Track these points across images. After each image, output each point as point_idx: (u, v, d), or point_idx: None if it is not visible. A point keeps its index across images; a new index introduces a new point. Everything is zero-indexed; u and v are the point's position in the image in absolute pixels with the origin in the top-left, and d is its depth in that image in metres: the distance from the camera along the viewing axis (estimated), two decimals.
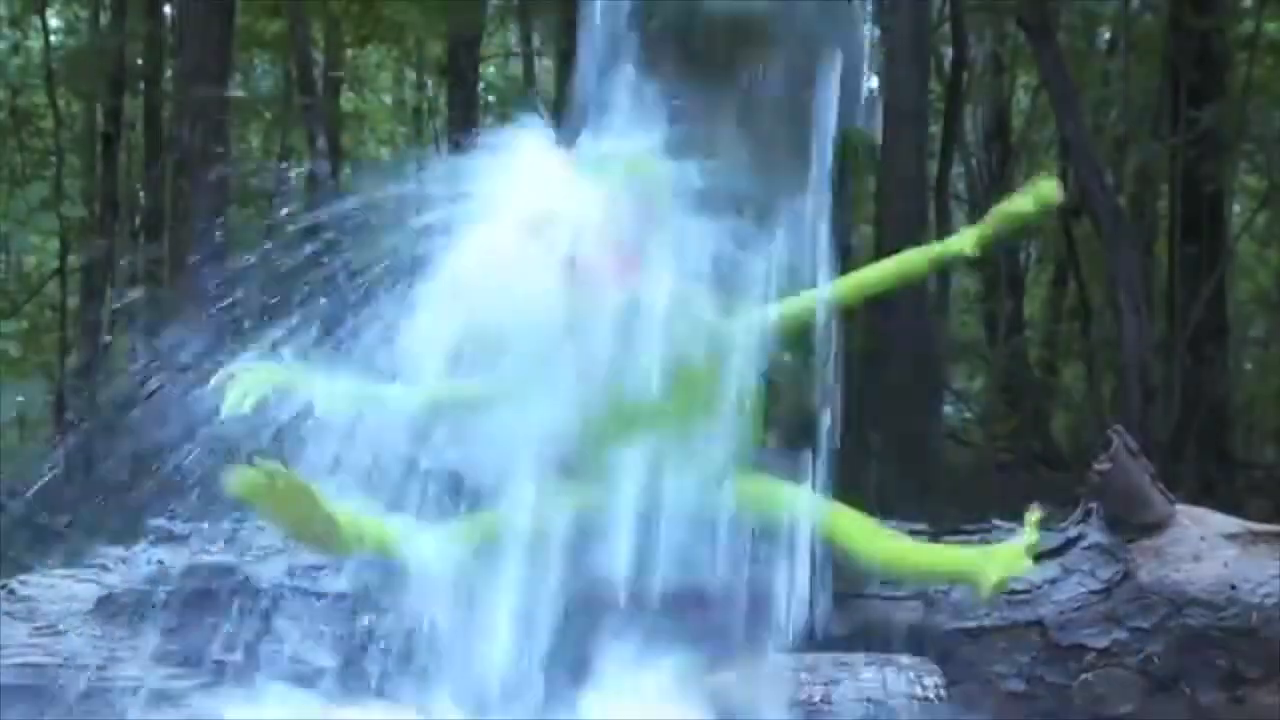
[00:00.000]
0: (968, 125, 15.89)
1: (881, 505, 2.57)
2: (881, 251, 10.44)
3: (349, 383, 2.29)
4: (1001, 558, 2.18)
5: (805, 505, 2.33)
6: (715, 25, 2.70)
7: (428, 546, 2.18)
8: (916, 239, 9.76)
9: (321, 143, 10.51)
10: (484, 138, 2.26)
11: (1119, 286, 8.94)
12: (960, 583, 2.33)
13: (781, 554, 2.31)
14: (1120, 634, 2.37)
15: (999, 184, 14.00)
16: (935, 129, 12.58)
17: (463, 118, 14.99)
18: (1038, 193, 2.51)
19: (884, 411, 9.06)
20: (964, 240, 2.58)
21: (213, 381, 2.26)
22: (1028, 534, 2.24)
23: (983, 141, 15.76)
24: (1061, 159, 14.04)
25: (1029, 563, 2.20)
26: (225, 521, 2.53)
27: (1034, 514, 2.28)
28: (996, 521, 2.57)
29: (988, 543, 2.43)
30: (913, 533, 2.48)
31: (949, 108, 12.82)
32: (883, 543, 2.31)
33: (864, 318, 15.21)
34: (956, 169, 15.58)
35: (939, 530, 2.53)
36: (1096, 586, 2.45)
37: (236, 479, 2.04)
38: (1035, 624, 2.42)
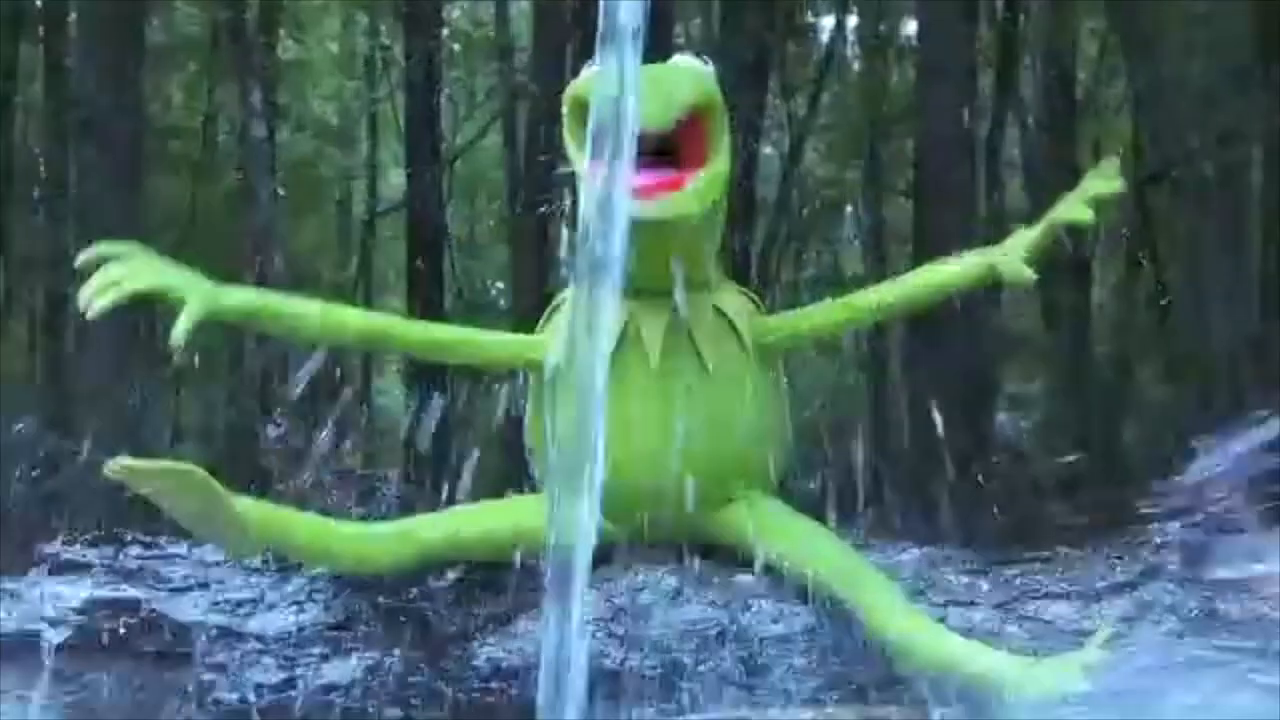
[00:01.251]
0: (1023, 78, 15.88)
1: (921, 527, 2.57)
2: (919, 229, 10.46)
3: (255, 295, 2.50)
4: (1049, 673, 2.16)
5: (829, 556, 2.39)
6: None
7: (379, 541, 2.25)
8: (961, 213, 9.78)
9: (256, 98, 10.48)
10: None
11: (1204, 267, 8.94)
12: (983, 690, 2.28)
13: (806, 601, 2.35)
14: (1205, 678, 2.37)
15: (1061, 148, 14.00)
16: (984, 82, 12.57)
17: (424, 70, 15.00)
18: (1094, 187, 2.58)
19: (925, 419, 9.06)
20: (1015, 265, 2.61)
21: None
22: (1091, 648, 2.20)
23: (1041, 97, 15.74)
24: (1135, 117, 14.03)
25: (1083, 682, 2.15)
26: (133, 548, 2.52)
27: (1105, 630, 2.24)
28: (1059, 550, 2.56)
29: (1048, 574, 2.42)
30: (956, 559, 2.46)
31: (1001, 56, 12.81)
32: (900, 622, 2.30)
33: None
34: (1010, 129, 15.57)
35: (988, 560, 2.52)
36: (1177, 625, 2.44)
37: (119, 465, 2.06)
38: None
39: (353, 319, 2.51)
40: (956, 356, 9.12)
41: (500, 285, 23.34)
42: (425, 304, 15.89)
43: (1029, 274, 2.53)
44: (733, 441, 2.54)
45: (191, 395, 18.10)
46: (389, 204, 20.00)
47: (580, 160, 2.42)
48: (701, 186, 2.36)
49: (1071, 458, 12.34)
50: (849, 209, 20.71)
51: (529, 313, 12.72)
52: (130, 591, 2.48)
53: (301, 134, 19.07)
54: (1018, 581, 2.52)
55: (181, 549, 2.53)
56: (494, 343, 2.61)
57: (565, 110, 2.45)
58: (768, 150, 18.65)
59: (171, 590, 2.50)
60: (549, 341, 2.57)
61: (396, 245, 19.83)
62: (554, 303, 2.62)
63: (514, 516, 2.47)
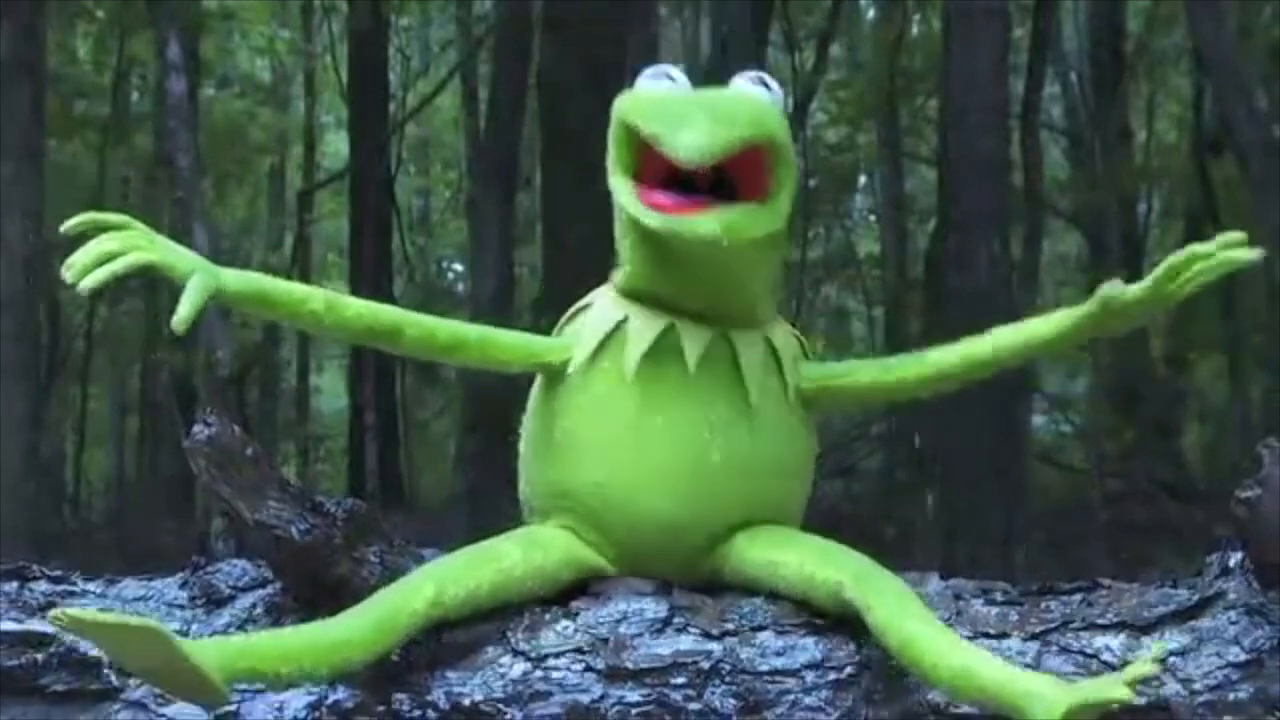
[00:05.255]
0: (1066, 29, 15.93)
1: (947, 549, 2.59)
2: (944, 203, 10.48)
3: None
4: (1082, 693, 2.18)
5: (841, 561, 2.42)
6: None
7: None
8: (993, 185, 9.81)
9: (174, 52, 10.47)
10: None
11: (1272, 249, 8.97)
12: (1003, 705, 2.31)
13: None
14: None
15: (1108, 109, 14.04)
16: (1021, 32, 12.60)
17: (369, 18, 15.02)
18: (1230, 250, 2.58)
19: (950, 424, 9.09)
20: (1123, 290, 2.62)
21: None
22: (1142, 661, 2.22)
23: (1086, 50, 15.81)
24: (1195, 76, 14.08)
25: (1129, 692, 2.17)
26: (40, 583, 2.53)
27: (1159, 646, 2.26)
28: (1104, 582, 2.57)
29: (1091, 605, 2.43)
30: (985, 591, 2.48)
31: (1039, 2, 12.84)
32: (910, 625, 2.32)
33: (920, 296, 15.27)
34: (1050, 88, 15.62)
35: (1024, 590, 2.54)
36: (1241, 657, 2.46)
37: (64, 615, 2.08)
38: (1160, 708, 2.43)
39: (359, 311, 2.55)
40: None
41: (458, 267, 23.40)
42: (371, 288, 15.92)
43: (1136, 292, 2.52)
44: (763, 480, 2.58)
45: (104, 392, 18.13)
46: (329, 173, 20.02)
47: (619, 185, 2.49)
48: (735, 219, 2.39)
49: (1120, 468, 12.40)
50: (863, 179, 20.79)
51: (490, 299, 12.75)
52: (39, 625, 2.49)
53: (228, 92, 19.08)
54: (1056, 609, 2.53)
55: (95, 586, 2.55)
56: (513, 343, 2.65)
57: (611, 129, 2.50)
58: None
59: None
60: (570, 345, 2.61)
61: (338, 221, 19.90)
62: (578, 305, 2.67)
63: (495, 565, 2.50)
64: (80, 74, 15.92)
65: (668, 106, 2.40)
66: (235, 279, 2.45)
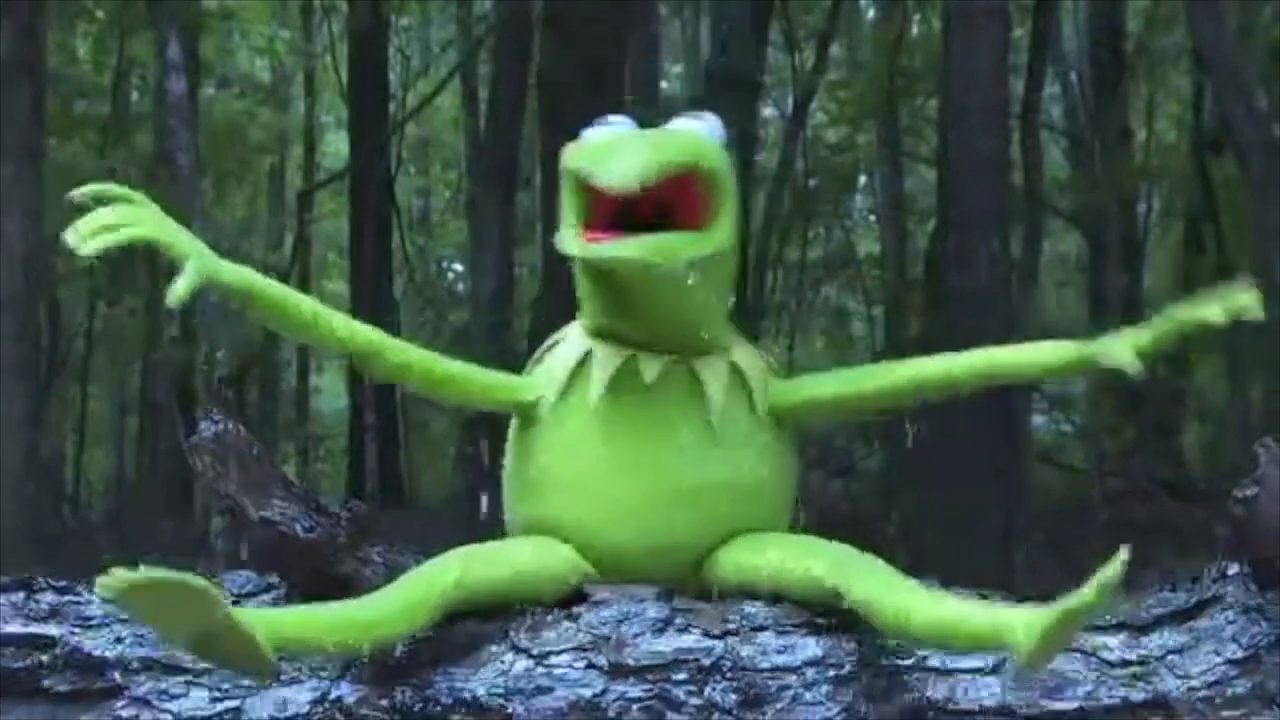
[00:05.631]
0: (1065, 28, 15.94)
1: (945, 552, 2.60)
2: (944, 203, 10.47)
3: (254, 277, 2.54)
4: (1054, 611, 2.19)
5: (825, 553, 2.46)
6: None
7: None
8: (993, 185, 9.81)
9: (174, 52, 10.48)
10: None
11: (1272, 249, 8.98)
12: (983, 648, 2.35)
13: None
14: (1270, 717, 2.40)
15: (1108, 109, 14.05)
16: (1021, 32, 12.61)
17: (370, 18, 15.01)
18: (1236, 301, 2.60)
19: (949, 424, 9.09)
20: (1117, 349, 2.65)
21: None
22: (1089, 591, 2.21)
23: (1086, 50, 15.82)
24: (1195, 76, 14.09)
25: (1090, 595, 2.17)
26: (46, 594, 2.55)
27: (1118, 559, 2.24)
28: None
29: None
30: (983, 599, 2.49)
31: (1040, 2, 12.85)
32: (895, 596, 2.35)
33: (920, 296, 15.27)
34: (1050, 88, 15.62)
35: (1024, 597, 2.55)
36: (1238, 654, 2.47)
37: (107, 583, 2.05)
38: (1157, 704, 2.44)
39: (342, 329, 2.58)
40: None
41: (458, 267, 23.37)
42: (371, 288, 15.92)
43: (1133, 360, 2.55)
44: (739, 499, 2.63)
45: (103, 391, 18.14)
46: (329, 173, 20.02)
47: (562, 229, 2.54)
48: (661, 243, 2.43)
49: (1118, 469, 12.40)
50: (863, 179, 20.78)
51: (489, 299, 12.73)
52: (44, 628, 2.51)
53: (227, 92, 19.07)
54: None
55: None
56: (491, 384, 2.68)
57: (561, 182, 2.56)
58: (768, 111, 18.71)
59: (89, 625, 2.52)
60: (541, 383, 2.65)
61: (338, 221, 19.88)
62: (548, 342, 2.71)
63: (512, 559, 2.54)
64: (80, 74, 15.91)
65: (603, 144, 2.47)
66: (231, 271, 2.47)
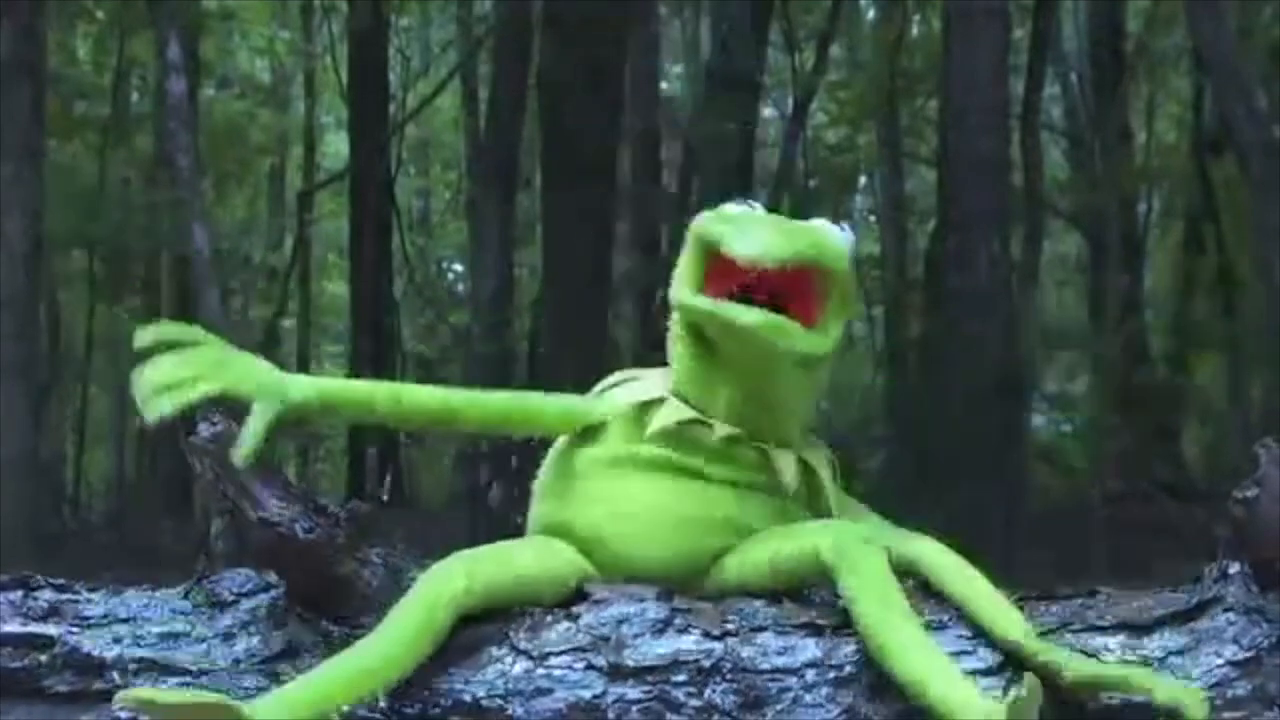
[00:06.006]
0: (1066, 29, 15.94)
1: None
2: (945, 203, 10.48)
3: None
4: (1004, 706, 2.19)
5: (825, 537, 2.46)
6: None
7: None
8: (993, 185, 9.81)
9: (174, 52, 10.48)
10: None
11: (1272, 249, 8.98)
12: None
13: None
14: (1271, 718, 2.40)
15: (1108, 109, 14.05)
16: (1021, 32, 12.61)
17: (370, 19, 15.01)
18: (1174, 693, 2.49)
19: (950, 424, 9.10)
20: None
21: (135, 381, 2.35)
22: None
23: (1086, 50, 15.82)
24: (1195, 76, 14.09)
25: (1030, 681, 2.19)
26: (45, 591, 2.54)
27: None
28: (1103, 590, 2.58)
29: (1090, 608, 2.45)
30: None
31: (1039, 3, 12.85)
32: (877, 614, 2.34)
33: (920, 296, 15.27)
34: (1050, 89, 15.62)
35: (1023, 596, 2.55)
36: (1240, 656, 2.47)
37: (132, 696, 2.09)
38: (1157, 704, 2.44)
39: (424, 399, 2.60)
40: (986, 351, 9.16)
41: (458, 268, 23.38)
42: (371, 288, 15.93)
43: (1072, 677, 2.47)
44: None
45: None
46: (329, 174, 20.02)
47: (677, 286, 2.55)
48: (779, 322, 2.44)
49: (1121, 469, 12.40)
50: (863, 179, 20.80)
51: (489, 299, 12.73)
52: (42, 628, 2.51)
53: (228, 93, 19.07)
54: (1056, 612, 2.54)
55: (99, 595, 2.56)
56: (560, 410, 2.68)
57: (685, 246, 2.56)
58: (768, 111, 18.70)
59: (88, 625, 2.52)
60: (609, 408, 2.65)
61: (338, 221, 19.88)
62: (622, 376, 2.72)
63: (513, 562, 2.54)
64: (80, 74, 15.93)
65: (740, 217, 2.50)
66: (301, 389, 2.45)
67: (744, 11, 12.55)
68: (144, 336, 2.40)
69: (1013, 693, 2.17)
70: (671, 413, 2.53)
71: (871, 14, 19.50)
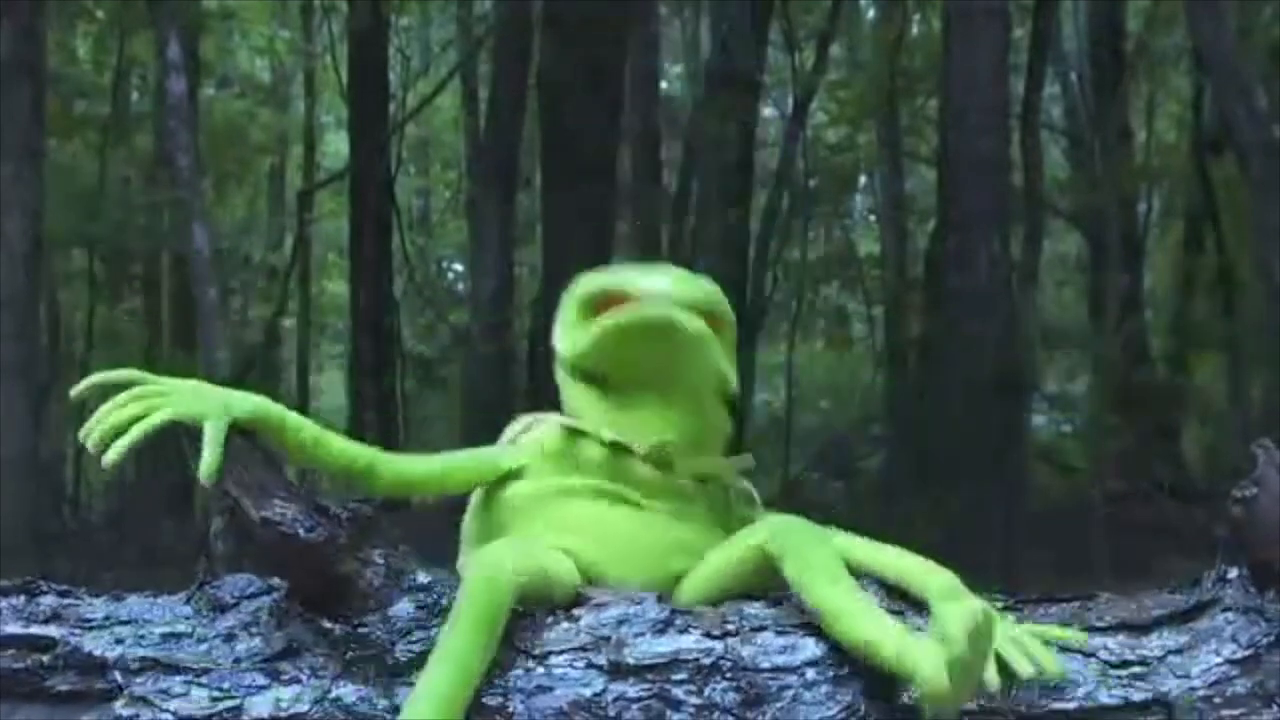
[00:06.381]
0: (1066, 28, 15.95)
1: (945, 552, 2.59)
2: (944, 202, 10.49)
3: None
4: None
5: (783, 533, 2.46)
6: None
7: None
8: (993, 185, 9.82)
9: (174, 52, 10.49)
10: None
11: (1272, 249, 8.99)
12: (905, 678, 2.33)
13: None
14: (1271, 716, 2.40)
15: (1108, 109, 14.05)
16: (1021, 32, 12.62)
17: (370, 18, 15.02)
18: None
19: (948, 424, 9.10)
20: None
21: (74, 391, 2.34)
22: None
23: (1086, 50, 15.82)
24: (1195, 76, 14.10)
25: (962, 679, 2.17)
26: (47, 596, 2.55)
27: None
28: (1101, 594, 2.58)
29: (1089, 609, 2.45)
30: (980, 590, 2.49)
31: (1039, 2, 12.86)
32: (823, 589, 2.35)
33: (919, 295, 15.27)
34: (1050, 88, 15.63)
35: (1023, 598, 2.55)
36: (1239, 654, 2.47)
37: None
38: (1158, 703, 2.45)
39: (339, 451, 2.57)
40: (986, 351, 9.16)
41: (458, 267, 23.39)
42: (371, 288, 15.93)
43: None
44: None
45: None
46: (329, 173, 20.03)
47: (560, 338, 2.52)
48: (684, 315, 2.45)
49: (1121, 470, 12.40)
50: (863, 179, 20.80)
51: (489, 299, 12.73)
52: (44, 630, 2.51)
53: (228, 92, 19.08)
54: (1055, 612, 2.55)
55: (101, 600, 2.57)
56: (475, 464, 2.67)
57: (561, 315, 2.53)
58: (768, 111, 18.71)
59: (89, 627, 2.52)
60: (524, 454, 2.62)
61: (338, 221, 19.89)
62: (517, 427, 2.68)
63: (538, 559, 2.54)
64: (80, 74, 15.93)
65: (626, 269, 2.46)
66: (241, 410, 2.45)
67: (744, 11, 12.57)
68: (80, 388, 2.41)
69: (966, 619, 2.16)
70: (599, 437, 2.47)
71: (871, 14, 19.51)
